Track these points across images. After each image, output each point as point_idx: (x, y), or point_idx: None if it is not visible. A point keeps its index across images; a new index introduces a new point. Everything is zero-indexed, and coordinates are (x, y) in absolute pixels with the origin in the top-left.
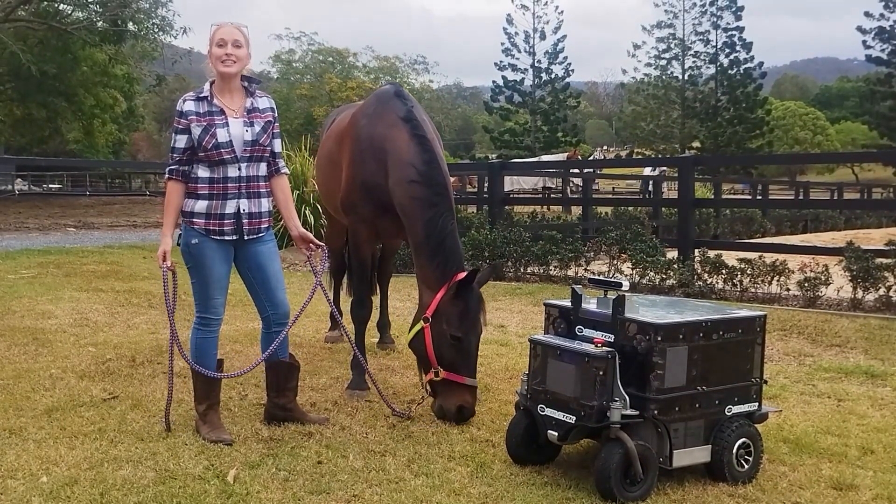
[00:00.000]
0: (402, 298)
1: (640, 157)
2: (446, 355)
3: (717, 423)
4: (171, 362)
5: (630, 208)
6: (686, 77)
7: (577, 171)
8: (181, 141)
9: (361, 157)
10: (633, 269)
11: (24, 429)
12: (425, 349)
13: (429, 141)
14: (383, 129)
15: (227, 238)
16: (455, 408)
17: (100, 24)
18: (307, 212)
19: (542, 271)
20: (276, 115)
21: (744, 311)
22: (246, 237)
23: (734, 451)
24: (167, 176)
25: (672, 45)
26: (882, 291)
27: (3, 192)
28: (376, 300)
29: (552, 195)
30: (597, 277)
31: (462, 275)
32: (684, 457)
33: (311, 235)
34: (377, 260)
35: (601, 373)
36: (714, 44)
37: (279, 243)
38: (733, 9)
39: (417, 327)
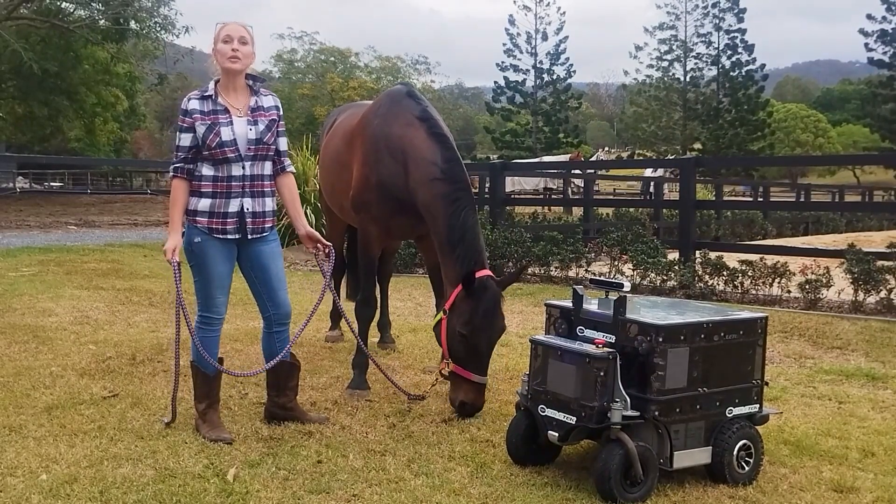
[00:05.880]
0: (403, 298)
1: (641, 158)
2: (455, 350)
3: (717, 425)
4: (176, 354)
5: (631, 209)
6: (688, 79)
7: (578, 171)
8: (186, 139)
9: (377, 156)
10: (634, 270)
11: (23, 426)
12: (441, 339)
13: (448, 139)
14: (399, 128)
15: (229, 237)
16: (458, 402)
17: (102, 22)
18: (309, 211)
19: (542, 272)
20: (281, 113)
21: (745, 313)
22: (249, 236)
23: (735, 452)
24: (172, 174)
25: (674, 47)
26: (883, 294)
27: (4, 190)
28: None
29: (553, 196)
30: (598, 278)
31: (482, 272)
32: (685, 458)
33: (318, 235)
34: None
35: (602, 374)
36: (716, 45)
37: (282, 241)
38: (735, 11)
39: (438, 317)
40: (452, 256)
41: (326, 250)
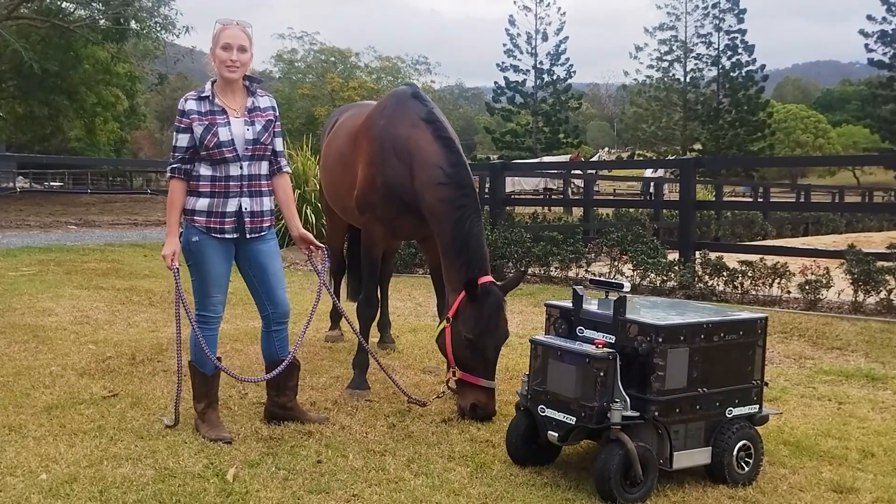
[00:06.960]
0: (402, 298)
1: (641, 158)
2: (462, 356)
3: (717, 425)
4: (178, 358)
5: (631, 210)
6: (688, 79)
7: (578, 172)
8: (183, 140)
9: (382, 157)
10: (633, 270)
11: (23, 426)
12: (445, 348)
13: (454, 142)
14: (405, 129)
15: (227, 236)
16: (469, 406)
17: (102, 22)
18: (308, 211)
19: (542, 272)
20: (278, 113)
21: (745, 314)
22: (248, 236)
23: (734, 453)
24: (169, 175)
25: (674, 48)
26: (883, 294)
27: (4, 190)
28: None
29: (553, 196)
30: (598, 278)
31: (485, 278)
32: (684, 458)
33: (311, 236)
34: None
35: (602, 374)
36: (716, 46)
37: (280, 242)
38: (735, 11)
39: (441, 326)
40: (456, 263)
41: (320, 252)
